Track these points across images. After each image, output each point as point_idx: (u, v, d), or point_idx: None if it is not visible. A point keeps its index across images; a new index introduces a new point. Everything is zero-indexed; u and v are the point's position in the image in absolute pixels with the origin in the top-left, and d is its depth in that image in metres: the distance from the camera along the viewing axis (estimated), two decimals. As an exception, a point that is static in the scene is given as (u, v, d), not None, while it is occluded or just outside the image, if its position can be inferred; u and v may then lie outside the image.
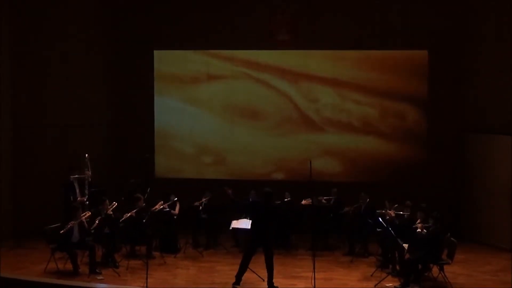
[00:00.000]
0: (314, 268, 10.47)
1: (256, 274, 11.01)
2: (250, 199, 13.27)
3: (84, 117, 14.92)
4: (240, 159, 15.62)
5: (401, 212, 11.99)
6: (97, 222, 11.69)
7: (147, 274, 10.32)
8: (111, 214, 11.98)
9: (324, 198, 13.59)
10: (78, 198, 12.95)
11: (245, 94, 15.59)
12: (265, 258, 10.60)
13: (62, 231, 11.28)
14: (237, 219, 13.06)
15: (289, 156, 15.42)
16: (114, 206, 12.17)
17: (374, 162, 15.19)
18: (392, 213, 11.93)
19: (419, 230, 10.98)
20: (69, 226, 11.37)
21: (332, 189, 13.75)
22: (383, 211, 12.09)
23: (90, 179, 13.05)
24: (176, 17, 15.58)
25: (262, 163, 15.55)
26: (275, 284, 10.61)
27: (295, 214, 13.47)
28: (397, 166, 15.14)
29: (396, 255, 11.48)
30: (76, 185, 13.07)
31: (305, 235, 13.22)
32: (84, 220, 11.59)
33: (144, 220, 12.25)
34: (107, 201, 12.13)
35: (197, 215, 13.52)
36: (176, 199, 13.34)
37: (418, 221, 11.32)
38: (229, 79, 15.64)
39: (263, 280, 10.94)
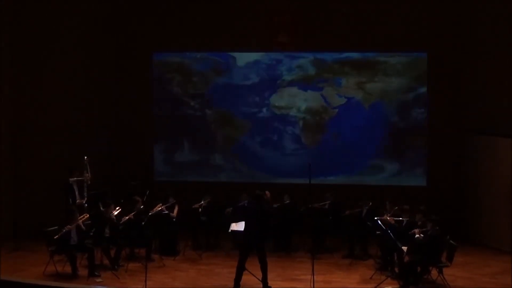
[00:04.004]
0: (313, 270, 10.46)
1: (255, 277, 10.98)
2: (244, 202, 13.26)
3: (84, 119, 14.92)
4: (240, 161, 15.61)
5: (400, 218, 11.92)
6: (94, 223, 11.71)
7: (146, 276, 10.29)
8: (113, 219, 11.97)
9: (319, 205, 13.49)
10: (77, 201, 12.95)
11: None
12: (259, 260, 10.70)
13: (57, 235, 11.26)
14: (236, 222, 13.02)
15: (290, 159, 15.40)
16: (119, 211, 12.15)
17: (375, 163, 15.18)
18: (391, 220, 11.85)
19: (417, 236, 10.95)
20: (64, 230, 11.34)
21: (325, 194, 13.62)
22: (384, 218, 11.99)
23: (89, 182, 13.06)
24: (176, 19, 15.56)
25: (262, 166, 15.53)
26: (269, 284, 10.69)
27: (295, 217, 13.45)
28: (398, 167, 15.14)
29: (395, 257, 11.47)
30: (75, 187, 13.09)
31: (304, 238, 13.20)
32: (81, 223, 11.58)
33: (143, 223, 12.25)
34: (113, 205, 12.14)
35: (197, 218, 13.49)
36: (175, 201, 13.33)
37: (418, 223, 11.31)
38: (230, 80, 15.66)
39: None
